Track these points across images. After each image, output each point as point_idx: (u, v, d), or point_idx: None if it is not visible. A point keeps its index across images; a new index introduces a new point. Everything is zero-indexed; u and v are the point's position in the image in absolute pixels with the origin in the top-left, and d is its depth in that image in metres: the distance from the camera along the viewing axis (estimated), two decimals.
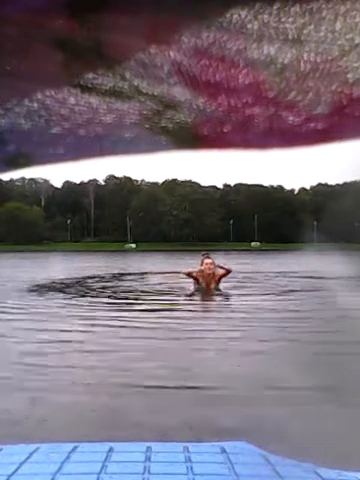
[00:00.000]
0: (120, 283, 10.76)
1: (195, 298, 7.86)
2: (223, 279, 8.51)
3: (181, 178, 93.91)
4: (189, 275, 8.52)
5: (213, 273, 8.28)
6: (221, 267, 8.48)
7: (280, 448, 1.84)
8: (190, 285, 8.57)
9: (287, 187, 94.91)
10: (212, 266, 8.26)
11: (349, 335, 4.47)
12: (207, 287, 8.24)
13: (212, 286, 8.28)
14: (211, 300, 7.77)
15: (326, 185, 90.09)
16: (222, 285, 8.55)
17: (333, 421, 2.39)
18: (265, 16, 0.51)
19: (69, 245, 72.50)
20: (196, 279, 8.37)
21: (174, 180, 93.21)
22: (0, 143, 0.63)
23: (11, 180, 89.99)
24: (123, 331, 4.88)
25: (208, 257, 8.36)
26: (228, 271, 8.45)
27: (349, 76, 0.54)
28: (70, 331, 4.87)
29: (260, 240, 79.92)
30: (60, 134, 0.61)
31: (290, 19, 0.51)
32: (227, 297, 7.91)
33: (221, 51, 0.53)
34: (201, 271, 8.30)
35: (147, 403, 2.69)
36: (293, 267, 16.40)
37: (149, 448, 1.57)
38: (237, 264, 14.57)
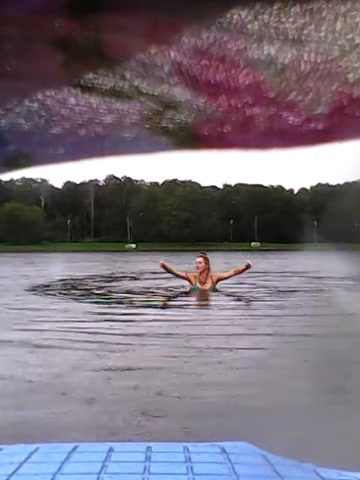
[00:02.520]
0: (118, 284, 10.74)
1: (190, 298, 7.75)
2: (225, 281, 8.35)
3: (181, 178, 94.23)
4: (179, 276, 8.40)
5: (206, 272, 8.13)
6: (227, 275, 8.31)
7: None
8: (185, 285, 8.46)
9: (287, 187, 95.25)
10: (201, 265, 8.11)
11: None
12: (201, 287, 8.09)
13: (207, 286, 8.11)
14: (206, 299, 7.63)
15: (326, 185, 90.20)
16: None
17: None
18: (265, 16, 0.51)
19: (69, 245, 72.58)
20: (188, 279, 8.22)
21: (174, 180, 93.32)
22: (0, 143, 0.62)
23: (11, 180, 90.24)
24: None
25: (201, 256, 8.21)
26: (246, 268, 8.20)
27: (349, 76, 0.54)
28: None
29: (260, 240, 79.97)
30: (60, 134, 0.61)
31: (290, 19, 0.51)
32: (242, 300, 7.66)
33: (221, 51, 0.53)
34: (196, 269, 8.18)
35: None
36: (295, 267, 16.38)
37: (149, 448, 1.57)
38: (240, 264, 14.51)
